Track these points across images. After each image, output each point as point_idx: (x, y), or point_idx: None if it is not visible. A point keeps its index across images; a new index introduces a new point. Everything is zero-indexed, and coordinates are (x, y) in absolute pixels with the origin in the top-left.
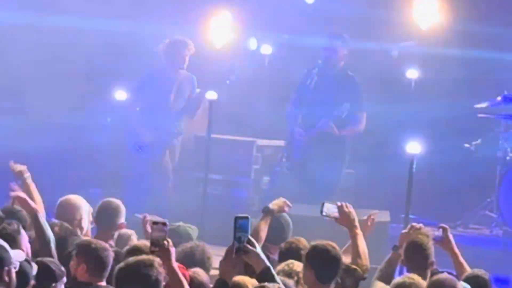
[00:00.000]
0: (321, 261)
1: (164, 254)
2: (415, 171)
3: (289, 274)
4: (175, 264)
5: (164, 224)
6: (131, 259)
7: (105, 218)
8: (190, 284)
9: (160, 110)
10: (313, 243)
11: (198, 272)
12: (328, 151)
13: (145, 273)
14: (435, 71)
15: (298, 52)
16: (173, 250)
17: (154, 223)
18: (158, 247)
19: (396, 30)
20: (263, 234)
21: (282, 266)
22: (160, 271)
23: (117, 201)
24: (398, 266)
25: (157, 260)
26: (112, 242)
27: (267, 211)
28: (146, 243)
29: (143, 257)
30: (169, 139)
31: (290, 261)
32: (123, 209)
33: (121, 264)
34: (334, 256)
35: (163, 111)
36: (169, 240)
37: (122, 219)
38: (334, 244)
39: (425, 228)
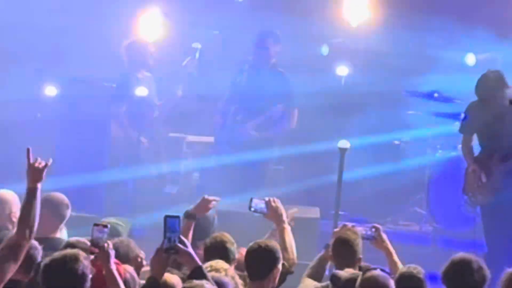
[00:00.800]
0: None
1: (103, 255)
2: (345, 167)
3: (217, 270)
4: (114, 266)
5: (105, 226)
6: (56, 254)
7: None
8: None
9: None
10: (252, 243)
11: (126, 268)
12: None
13: (71, 267)
14: (365, 68)
15: (229, 48)
16: (112, 253)
17: (95, 224)
18: (97, 248)
19: (326, 27)
20: (188, 238)
21: (210, 263)
22: (86, 265)
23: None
24: (328, 264)
25: (82, 254)
26: None
27: (188, 216)
28: (79, 239)
29: (68, 251)
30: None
31: (216, 260)
32: None
33: (46, 260)
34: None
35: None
36: (109, 242)
37: None
38: (275, 243)
39: (357, 228)
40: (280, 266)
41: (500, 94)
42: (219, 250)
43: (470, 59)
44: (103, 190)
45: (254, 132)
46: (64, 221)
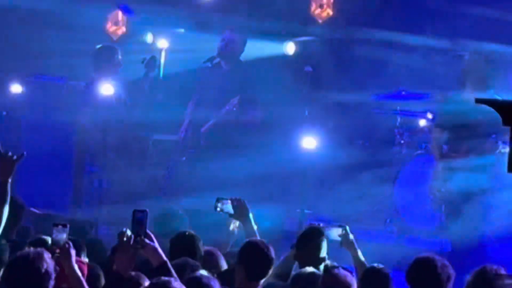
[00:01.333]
0: (253, 259)
1: (64, 255)
2: (311, 166)
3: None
4: (75, 266)
5: (64, 225)
6: (19, 253)
7: None
8: (88, 276)
9: None
10: (247, 239)
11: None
12: (221, 145)
13: (34, 266)
14: (330, 66)
15: (194, 46)
16: (73, 252)
17: (55, 224)
18: (58, 248)
19: (293, 25)
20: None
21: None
22: (49, 263)
23: None
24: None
25: (46, 253)
26: None
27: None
28: (42, 238)
29: (32, 250)
30: None
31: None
32: None
33: (10, 259)
34: (266, 255)
35: None
36: (69, 242)
37: None
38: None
39: (324, 227)
40: None
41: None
42: (187, 246)
43: None
44: (69, 188)
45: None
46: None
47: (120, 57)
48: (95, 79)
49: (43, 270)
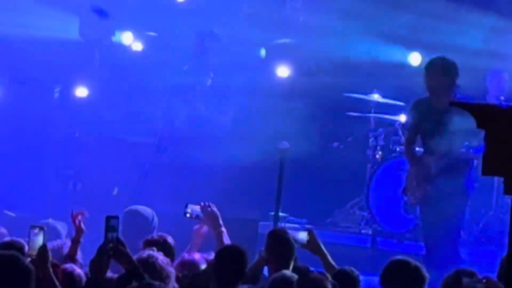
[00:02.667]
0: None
1: (40, 258)
2: (285, 169)
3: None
4: (50, 269)
5: (41, 228)
6: (1, 252)
7: None
8: (63, 280)
9: None
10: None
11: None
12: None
13: (18, 264)
14: (305, 69)
15: (169, 49)
16: (49, 255)
17: (32, 226)
18: (34, 251)
19: (268, 27)
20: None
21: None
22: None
23: None
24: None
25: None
26: None
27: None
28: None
29: (5, 252)
30: None
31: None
32: None
33: None
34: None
35: None
36: (46, 245)
37: None
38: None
39: (291, 232)
40: None
41: (444, 87)
42: (163, 246)
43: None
44: (44, 191)
45: None
46: None
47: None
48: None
49: (26, 269)
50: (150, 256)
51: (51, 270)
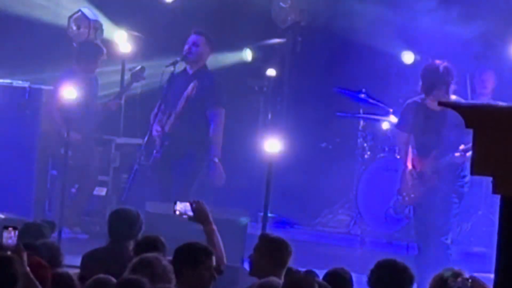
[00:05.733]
0: None
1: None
2: (274, 169)
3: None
4: (27, 268)
5: (15, 228)
6: None
7: None
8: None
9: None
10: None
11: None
12: (185, 150)
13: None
14: (292, 69)
15: (158, 50)
16: (24, 255)
17: (5, 227)
18: (10, 251)
19: (254, 30)
20: None
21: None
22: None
23: None
24: None
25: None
26: None
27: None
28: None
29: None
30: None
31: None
32: None
33: None
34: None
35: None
36: (20, 244)
37: None
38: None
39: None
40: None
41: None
42: (154, 244)
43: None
44: (31, 192)
45: None
46: None
47: (103, 55)
48: (72, 70)
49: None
50: (155, 258)
51: (28, 269)
